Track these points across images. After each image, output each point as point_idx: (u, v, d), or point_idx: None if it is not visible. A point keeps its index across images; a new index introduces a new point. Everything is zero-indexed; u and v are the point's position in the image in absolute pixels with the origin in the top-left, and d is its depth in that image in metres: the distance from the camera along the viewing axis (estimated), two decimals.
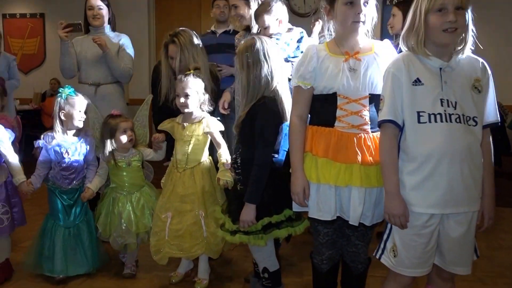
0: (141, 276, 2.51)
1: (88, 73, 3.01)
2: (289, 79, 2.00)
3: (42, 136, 2.34)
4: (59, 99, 2.32)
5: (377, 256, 1.63)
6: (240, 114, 1.84)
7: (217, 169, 2.18)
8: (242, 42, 1.89)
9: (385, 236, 1.61)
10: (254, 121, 1.78)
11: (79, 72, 3.06)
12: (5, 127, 2.33)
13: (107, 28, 3.07)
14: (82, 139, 2.40)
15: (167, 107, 2.50)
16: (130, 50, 3.07)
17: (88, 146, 2.41)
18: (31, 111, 6.40)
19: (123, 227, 2.40)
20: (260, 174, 1.76)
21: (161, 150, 2.51)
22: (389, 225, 1.59)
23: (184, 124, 2.26)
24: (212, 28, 3.91)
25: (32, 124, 6.10)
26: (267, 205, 1.81)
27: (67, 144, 2.34)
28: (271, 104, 1.80)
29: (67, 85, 2.34)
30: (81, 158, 2.39)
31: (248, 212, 1.78)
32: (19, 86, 4.17)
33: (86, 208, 2.47)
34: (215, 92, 2.54)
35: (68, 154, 2.34)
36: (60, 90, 2.33)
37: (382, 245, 1.61)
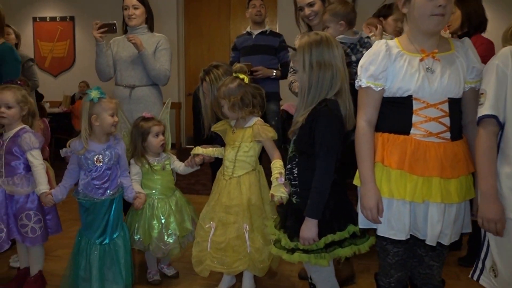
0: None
1: (123, 75, 2.88)
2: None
3: (68, 143, 2.13)
4: (87, 101, 2.08)
5: (475, 278, 1.47)
6: (298, 119, 1.65)
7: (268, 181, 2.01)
8: (302, 37, 1.69)
9: (482, 254, 1.44)
10: (315, 127, 1.60)
11: (115, 73, 2.93)
12: (33, 133, 2.21)
13: (144, 28, 2.94)
14: (113, 144, 2.19)
15: (211, 138, 2.44)
16: (167, 51, 2.94)
17: (120, 151, 2.23)
18: (61, 114, 6.39)
19: (169, 232, 2.29)
20: (322, 186, 1.58)
21: (191, 168, 2.39)
22: (486, 242, 1.43)
23: (235, 129, 2.11)
24: (248, 29, 3.78)
25: (62, 127, 6.09)
26: (329, 220, 1.62)
27: (98, 151, 2.13)
28: (334, 108, 1.61)
29: (96, 86, 2.13)
30: (115, 164, 2.20)
31: (310, 228, 1.60)
32: (37, 87, 3.99)
33: (121, 220, 2.30)
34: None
35: (100, 161, 2.13)
36: (88, 92, 2.09)
37: (479, 265, 1.44)
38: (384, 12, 3.16)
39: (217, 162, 2.31)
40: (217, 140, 2.53)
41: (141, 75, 2.87)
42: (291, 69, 2.61)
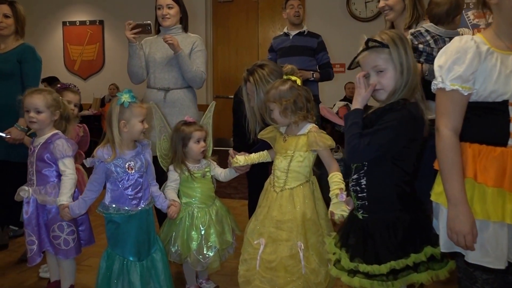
0: None
1: (157, 77, 2.74)
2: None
3: (95, 152, 1.91)
4: (118, 105, 1.88)
5: None
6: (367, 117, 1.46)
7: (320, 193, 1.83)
8: (394, 35, 1.47)
9: None
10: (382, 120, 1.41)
11: (147, 76, 2.80)
12: (66, 140, 2.09)
13: (178, 28, 2.80)
14: (141, 150, 2.01)
15: (253, 143, 2.32)
16: (203, 52, 2.79)
17: (149, 158, 2.05)
18: (90, 117, 6.38)
19: (209, 244, 2.14)
20: (348, 133, 1.40)
21: (234, 175, 2.25)
22: None
23: (286, 136, 1.93)
24: (285, 30, 3.62)
25: (91, 130, 6.02)
26: (402, 241, 1.42)
27: (128, 157, 1.94)
28: (413, 109, 1.42)
29: (126, 89, 1.94)
30: (145, 172, 2.01)
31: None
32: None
33: (155, 232, 2.12)
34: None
35: (132, 169, 1.93)
36: (119, 95, 1.90)
37: None
38: None
39: (252, 166, 2.19)
40: (259, 146, 2.38)
41: (176, 77, 2.72)
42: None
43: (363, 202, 1.52)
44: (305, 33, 3.54)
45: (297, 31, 3.53)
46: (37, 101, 2.05)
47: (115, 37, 7.49)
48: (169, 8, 2.71)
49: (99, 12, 7.64)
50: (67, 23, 7.83)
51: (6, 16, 2.76)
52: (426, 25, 2.25)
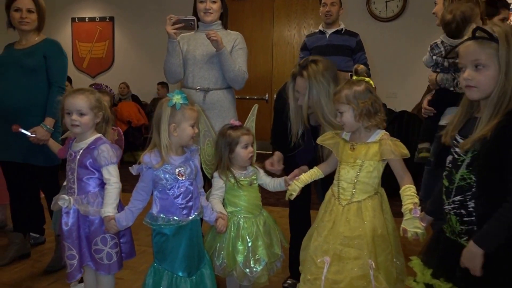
0: None
1: (195, 76, 2.55)
2: None
3: (141, 157, 1.75)
4: (168, 107, 1.72)
5: None
6: (481, 132, 1.27)
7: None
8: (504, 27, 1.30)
9: None
10: (507, 146, 1.22)
11: (184, 75, 2.61)
12: (111, 145, 1.91)
13: (218, 24, 2.62)
14: (191, 156, 1.85)
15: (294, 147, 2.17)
16: (244, 50, 2.61)
17: (198, 165, 1.90)
18: None
19: (257, 257, 1.97)
20: (510, 218, 1.21)
21: (284, 187, 2.08)
22: None
23: (354, 143, 1.75)
24: (320, 28, 3.44)
25: None
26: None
27: (178, 164, 1.78)
28: None
29: (177, 90, 1.78)
30: (194, 179, 1.86)
31: (472, 256, 1.25)
32: None
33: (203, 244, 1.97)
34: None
35: (183, 176, 1.78)
36: (170, 96, 1.74)
37: None
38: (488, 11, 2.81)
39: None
40: (300, 151, 2.21)
41: (217, 77, 2.54)
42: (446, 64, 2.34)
43: (471, 227, 1.33)
44: (343, 31, 3.36)
45: (334, 29, 3.36)
46: (80, 102, 1.86)
47: (125, 35, 7.29)
48: (212, 2, 2.53)
49: (109, 8, 7.43)
50: (76, 19, 7.61)
51: (29, 11, 2.60)
52: (442, 36, 2.36)
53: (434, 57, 2.37)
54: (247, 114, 2.28)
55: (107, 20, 7.47)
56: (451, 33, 2.27)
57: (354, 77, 1.76)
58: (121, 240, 1.98)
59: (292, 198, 1.95)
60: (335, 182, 1.81)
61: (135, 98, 6.78)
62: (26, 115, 2.51)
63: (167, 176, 1.75)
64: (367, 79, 1.73)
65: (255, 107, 2.28)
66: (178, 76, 2.59)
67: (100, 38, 7.53)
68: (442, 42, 2.36)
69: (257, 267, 1.99)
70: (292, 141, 2.16)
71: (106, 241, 1.88)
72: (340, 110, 1.74)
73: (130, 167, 1.78)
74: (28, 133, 2.39)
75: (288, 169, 2.20)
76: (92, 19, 7.56)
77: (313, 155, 2.17)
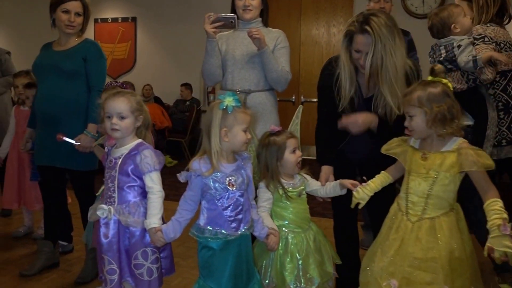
0: None
1: (235, 77, 2.40)
2: None
3: (190, 164, 1.62)
4: (220, 110, 1.59)
5: None
6: None
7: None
8: None
9: None
10: None
11: (223, 77, 2.46)
12: (153, 151, 1.77)
13: (258, 22, 2.47)
14: (243, 164, 1.71)
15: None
16: (287, 49, 2.45)
17: (250, 174, 1.74)
18: None
19: (308, 276, 1.81)
20: None
21: (339, 191, 1.89)
22: None
23: (426, 152, 1.58)
24: None
25: None
26: None
27: (229, 172, 1.63)
28: None
29: (229, 92, 1.64)
30: (245, 190, 1.70)
31: None
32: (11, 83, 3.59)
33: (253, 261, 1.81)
34: None
35: (233, 185, 1.63)
36: (221, 98, 1.60)
37: None
38: None
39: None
40: (351, 142, 1.99)
41: (258, 78, 2.38)
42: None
43: None
44: None
45: None
46: (121, 105, 1.72)
47: (148, 35, 7.21)
48: None
49: (132, 9, 7.37)
50: (99, 20, 7.57)
51: (78, 15, 2.48)
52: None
53: (430, 59, 2.50)
54: None
55: (129, 20, 7.40)
56: (435, 36, 2.44)
57: (430, 78, 1.58)
58: (161, 255, 1.84)
59: (360, 207, 1.77)
60: (402, 194, 1.63)
61: (157, 100, 6.67)
62: (66, 120, 2.42)
63: (217, 185, 1.61)
64: (444, 80, 1.54)
65: (300, 109, 2.12)
66: (217, 78, 2.44)
67: (122, 38, 7.47)
68: (436, 43, 2.47)
69: (309, 287, 1.83)
70: (341, 105, 1.91)
71: (147, 255, 1.73)
72: (410, 114, 1.56)
73: (178, 174, 1.65)
74: (73, 141, 2.30)
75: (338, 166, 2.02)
76: (114, 20, 7.51)
77: (366, 153, 1.98)
